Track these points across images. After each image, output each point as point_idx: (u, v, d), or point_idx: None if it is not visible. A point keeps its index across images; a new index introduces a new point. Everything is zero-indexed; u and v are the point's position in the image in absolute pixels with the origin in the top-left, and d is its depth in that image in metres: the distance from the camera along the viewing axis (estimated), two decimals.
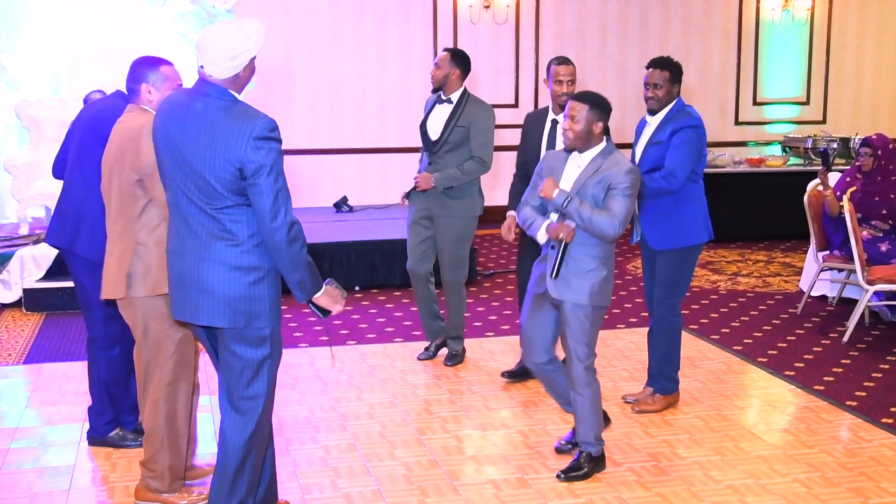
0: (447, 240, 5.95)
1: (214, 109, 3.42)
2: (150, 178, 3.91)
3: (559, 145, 5.31)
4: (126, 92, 4.17)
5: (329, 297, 3.62)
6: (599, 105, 4.30)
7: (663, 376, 5.29)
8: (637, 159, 5.14)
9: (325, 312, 3.67)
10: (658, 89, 5.03)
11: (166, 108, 3.56)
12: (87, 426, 4.98)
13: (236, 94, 3.48)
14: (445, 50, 5.99)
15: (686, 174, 4.96)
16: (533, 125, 5.69)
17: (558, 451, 4.74)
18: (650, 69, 5.07)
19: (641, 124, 5.24)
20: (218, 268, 3.47)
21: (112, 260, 4.08)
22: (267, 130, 3.38)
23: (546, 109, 5.66)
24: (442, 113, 5.94)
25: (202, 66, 3.44)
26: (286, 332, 6.91)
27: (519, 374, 5.80)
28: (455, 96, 5.92)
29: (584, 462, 4.47)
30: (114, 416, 4.83)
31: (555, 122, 5.53)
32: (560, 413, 5.20)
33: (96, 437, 4.85)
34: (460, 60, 5.92)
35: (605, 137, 4.35)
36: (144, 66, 4.11)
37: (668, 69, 5.04)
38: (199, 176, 3.41)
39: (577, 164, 4.36)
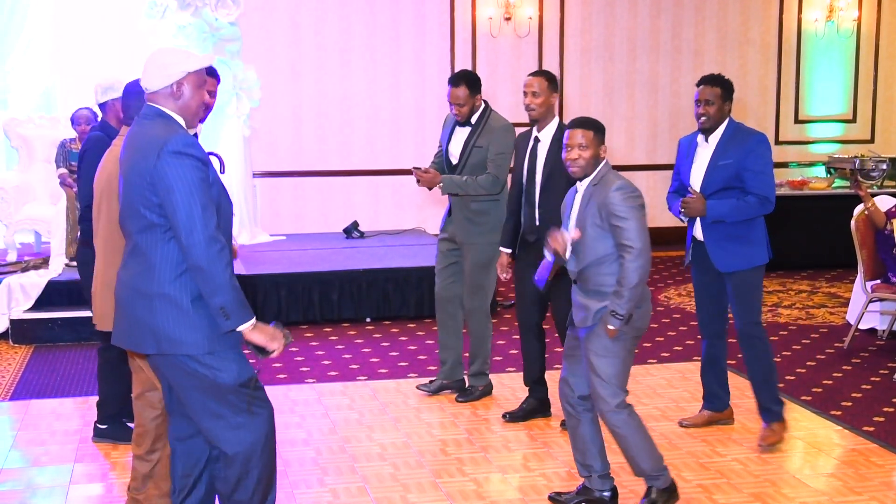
0: (469, 265, 6.04)
1: (143, 127, 3.56)
2: None
3: (538, 165, 5.53)
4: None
5: (263, 334, 3.57)
6: (600, 129, 4.41)
7: (773, 401, 5.38)
8: (693, 181, 5.33)
9: (263, 352, 3.59)
10: (710, 106, 5.25)
11: (127, 136, 3.68)
12: (76, 467, 5.00)
13: (174, 115, 3.56)
14: (455, 84, 5.92)
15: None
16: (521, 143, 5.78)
17: (550, 499, 4.67)
18: (701, 86, 5.30)
19: (691, 145, 5.42)
20: (138, 294, 3.53)
21: (99, 287, 4.25)
22: (181, 145, 3.45)
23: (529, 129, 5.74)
24: (462, 135, 6.06)
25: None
26: (292, 365, 6.93)
27: (521, 416, 5.80)
28: (474, 117, 6.00)
29: (657, 498, 4.41)
30: None
31: (536, 140, 5.63)
32: None
33: None
34: (475, 85, 5.96)
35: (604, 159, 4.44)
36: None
37: (719, 85, 5.26)
38: (127, 196, 3.55)
39: (580, 194, 4.42)
